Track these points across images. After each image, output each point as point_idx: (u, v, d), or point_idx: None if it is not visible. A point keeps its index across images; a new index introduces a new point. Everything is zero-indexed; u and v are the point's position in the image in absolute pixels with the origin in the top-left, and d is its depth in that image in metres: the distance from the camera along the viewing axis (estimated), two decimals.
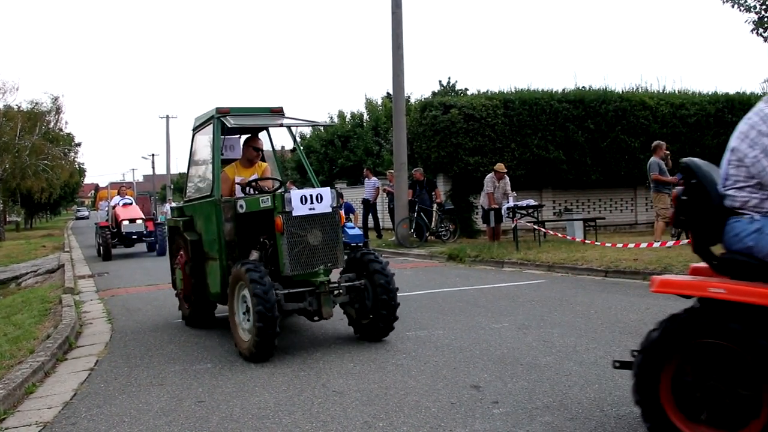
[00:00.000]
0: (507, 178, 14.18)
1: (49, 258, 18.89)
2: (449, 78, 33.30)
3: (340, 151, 26.14)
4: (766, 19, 14.59)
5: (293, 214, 5.40)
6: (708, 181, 3.25)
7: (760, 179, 3.07)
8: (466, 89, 30.29)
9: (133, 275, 13.13)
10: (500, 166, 14.12)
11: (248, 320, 5.34)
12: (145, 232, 17.91)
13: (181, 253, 7.00)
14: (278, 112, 6.75)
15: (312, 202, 5.46)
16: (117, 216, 17.77)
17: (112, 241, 17.57)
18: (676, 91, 19.37)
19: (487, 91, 17.93)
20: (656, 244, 10.25)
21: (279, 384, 4.65)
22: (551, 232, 12.87)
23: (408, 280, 9.56)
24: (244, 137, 7.14)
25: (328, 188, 5.69)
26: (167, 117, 51.89)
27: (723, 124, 18.41)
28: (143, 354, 5.88)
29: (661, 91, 19.30)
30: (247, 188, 6.35)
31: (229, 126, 6.26)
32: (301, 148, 7.41)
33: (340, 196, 6.41)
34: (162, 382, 4.89)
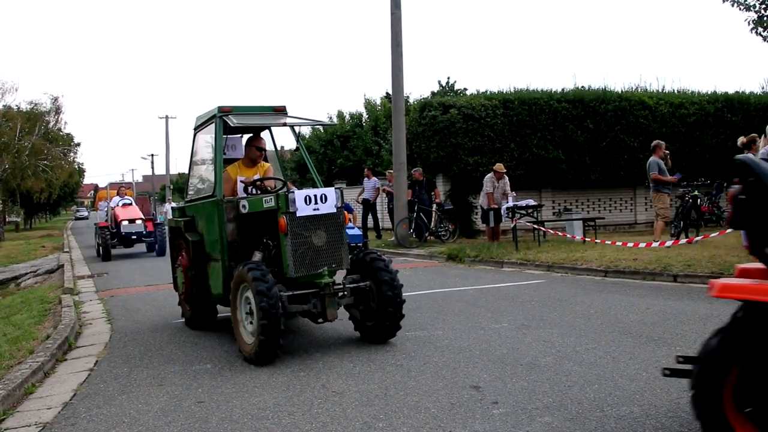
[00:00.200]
0: (506, 178, 14.17)
1: (49, 258, 18.89)
2: (448, 78, 33.29)
3: (339, 151, 26.14)
4: (765, 18, 14.57)
5: (297, 215, 5.31)
6: None
7: None
8: (466, 89, 30.28)
9: (132, 275, 13.13)
10: (499, 166, 14.12)
11: (251, 322, 5.28)
12: (144, 232, 17.87)
13: (183, 253, 6.93)
14: (281, 111, 6.69)
15: (316, 203, 5.38)
16: (116, 216, 17.75)
17: (112, 241, 17.53)
18: (676, 91, 19.37)
19: (487, 91, 17.92)
20: (655, 244, 10.26)
21: (279, 384, 4.65)
22: (551, 231, 12.87)
23: (407, 281, 9.55)
24: (246, 137, 7.08)
25: (333, 188, 5.60)
26: (166, 117, 51.92)
27: (722, 124, 18.43)
28: (143, 354, 5.88)
29: (660, 90, 19.30)
30: (250, 188, 6.29)
31: (231, 125, 6.19)
32: (306, 147, 7.31)
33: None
34: (162, 383, 4.89)
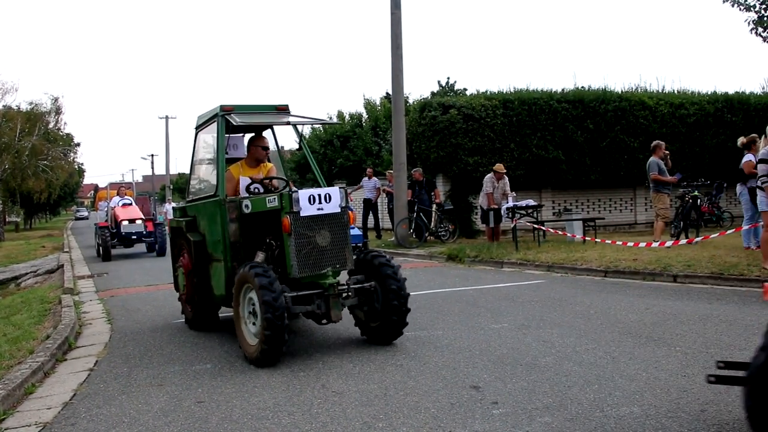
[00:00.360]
0: (506, 178, 14.17)
1: (49, 258, 18.89)
2: (448, 78, 33.26)
3: (339, 151, 26.13)
4: (765, 19, 14.57)
5: (301, 215, 5.24)
6: None
7: None
8: (465, 89, 30.27)
9: (132, 275, 13.13)
10: (499, 167, 14.12)
11: (254, 323, 5.24)
12: (144, 232, 17.83)
13: (184, 254, 6.88)
14: (284, 110, 6.61)
15: (320, 202, 5.31)
16: (116, 216, 17.73)
17: (112, 241, 17.51)
18: (676, 91, 19.38)
19: (486, 91, 17.92)
20: (655, 244, 10.26)
21: (279, 384, 4.65)
22: (551, 231, 12.87)
23: (407, 281, 9.53)
24: (247, 136, 7.00)
25: (337, 188, 5.53)
26: (166, 117, 51.88)
27: (722, 124, 18.43)
28: (143, 354, 5.88)
29: (660, 90, 19.31)
30: (253, 188, 6.22)
31: (234, 124, 6.12)
32: (307, 147, 7.21)
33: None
34: (161, 383, 4.88)
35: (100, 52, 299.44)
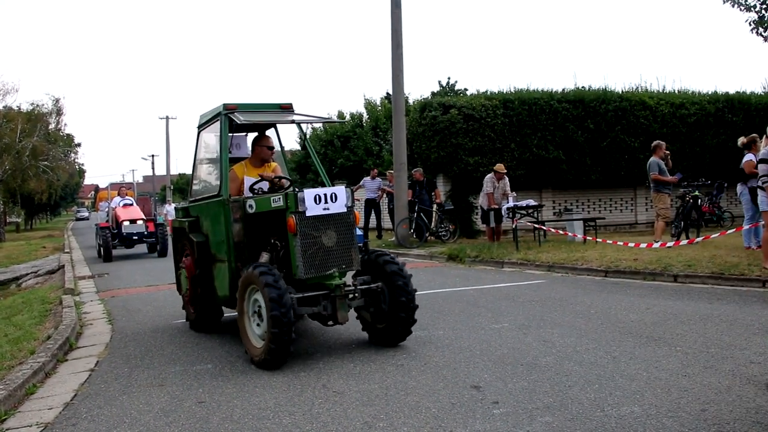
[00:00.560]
0: (506, 178, 14.17)
1: (50, 259, 18.90)
2: (449, 78, 33.29)
3: (339, 151, 26.13)
4: (766, 19, 14.56)
5: (307, 214, 5.14)
6: None
7: None
8: (466, 89, 30.28)
9: (133, 276, 13.13)
10: (500, 167, 14.12)
11: (260, 325, 5.17)
12: (145, 232, 17.74)
13: (187, 254, 6.79)
14: (288, 108, 6.52)
15: (326, 202, 5.22)
16: (117, 217, 17.67)
17: (113, 242, 17.42)
18: (676, 91, 19.38)
19: (487, 91, 17.92)
20: (656, 245, 10.25)
21: (279, 384, 4.65)
22: (552, 231, 12.87)
23: None
24: (251, 135, 6.92)
25: (343, 187, 5.43)
26: (167, 118, 51.84)
27: (723, 124, 18.42)
28: (143, 355, 5.88)
29: (660, 90, 19.30)
30: (256, 188, 6.14)
31: (238, 123, 6.03)
32: (311, 146, 7.09)
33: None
34: (162, 383, 4.89)
35: (101, 52, 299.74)
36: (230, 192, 6.06)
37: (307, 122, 6.73)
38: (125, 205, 18.35)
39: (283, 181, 6.24)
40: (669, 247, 10.18)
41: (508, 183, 14.18)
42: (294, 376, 4.84)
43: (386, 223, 18.81)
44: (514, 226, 13.12)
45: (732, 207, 18.26)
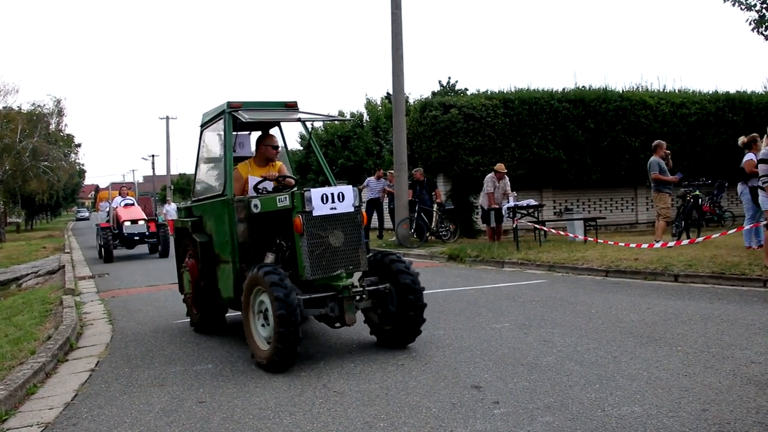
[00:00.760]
0: (507, 178, 14.17)
1: (50, 259, 18.88)
2: (449, 78, 33.28)
3: (340, 151, 26.13)
4: (766, 18, 14.53)
5: (313, 214, 5.04)
6: None
7: None
8: (466, 89, 30.28)
9: (133, 276, 13.13)
10: (500, 166, 14.12)
11: (266, 327, 5.07)
12: (147, 233, 17.56)
13: (190, 255, 6.69)
14: (292, 106, 6.41)
15: (333, 201, 5.12)
16: (118, 217, 17.51)
17: (114, 242, 17.26)
18: (677, 90, 19.38)
19: (487, 91, 17.93)
20: (657, 245, 10.24)
21: (280, 384, 4.65)
22: (553, 231, 12.87)
23: None
24: (254, 134, 6.79)
25: (350, 186, 5.32)
26: (167, 118, 51.75)
27: (724, 124, 18.42)
28: (144, 355, 5.88)
29: (661, 90, 19.31)
30: (260, 187, 6.05)
31: (243, 121, 5.91)
32: (316, 145, 6.98)
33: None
34: (163, 383, 4.89)
35: (101, 52, 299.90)
36: (234, 191, 5.97)
37: (312, 120, 6.64)
38: (126, 205, 18.20)
39: (289, 180, 6.18)
40: (670, 247, 10.17)
41: (509, 183, 14.18)
42: (294, 376, 4.84)
43: (387, 222, 18.82)
44: (514, 226, 13.11)
45: (733, 206, 18.25)
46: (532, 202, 13.92)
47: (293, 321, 4.70)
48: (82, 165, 58.17)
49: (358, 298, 5.34)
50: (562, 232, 13.15)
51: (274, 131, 6.73)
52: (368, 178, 18.41)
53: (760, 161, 8.30)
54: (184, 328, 7.01)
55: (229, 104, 6.06)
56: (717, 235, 10.15)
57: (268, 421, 3.92)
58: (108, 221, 18.16)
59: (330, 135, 26.90)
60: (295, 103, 6.48)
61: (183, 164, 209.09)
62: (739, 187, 10.62)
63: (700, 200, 13.33)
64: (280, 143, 6.70)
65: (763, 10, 14.46)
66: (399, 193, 15.44)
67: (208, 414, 4.11)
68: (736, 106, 18.79)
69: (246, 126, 6.57)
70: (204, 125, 6.82)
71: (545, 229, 12.91)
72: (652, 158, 11.58)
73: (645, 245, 10.23)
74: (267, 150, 6.40)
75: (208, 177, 7.01)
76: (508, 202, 13.59)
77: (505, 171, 14.13)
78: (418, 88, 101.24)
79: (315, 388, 4.50)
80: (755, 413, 3.59)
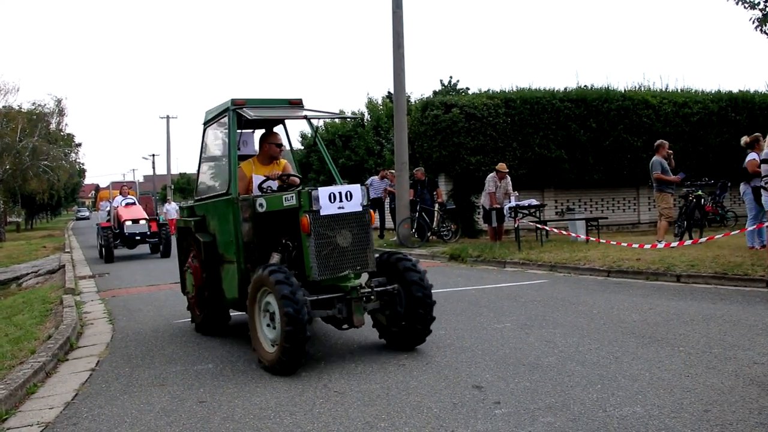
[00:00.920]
0: (509, 177, 14.15)
1: (50, 259, 18.88)
2: (450, 77, 33.18)
3: (341, 150, 26.11)
4: None
5: (321, 213, 4.95)
6: None
7: None
8: (468, 88, 30.27)
9: (133, 276, 13.13)
10: (502, 166, 14.10)
11: (273, 329, 4.93)
12: (148, 232, 17.36)
13: (192, 255, 6.58)
14: (297, 104, 6.31)
15: (341, 200, 5.02)
16: (119, 216, 17.33)
17: (115, 242, 17.08)
18: (679, 90, 19.35)
19: (489, 90, 17.92)
20: (660, 246, 10.21)
21: (280, 384, 4.63)
22: (555, 231, 12.85)
23: None
24: (258, 132, 6.68)
25: (358, 185, 5.24)
26: (167, 117, 51.66)
27: (726, 123, 18.39)
28: (144, 354, 5.87)
29: (663, 89, 19.28)
30: (265, 185, 5.96)
31: (249, 118, 5.80)
32: (321, 143, 6.75)
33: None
34: (163, 383, 4.88)
35: (101, 51, 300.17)
36: (238, 190, 5.87)
37: (318, 118, 6.52)
38: (128, 205, 18.03)
39: (293, 179, 6.10)
40: (672, 247, 10.15)
41: (510, 182, 14.16)
42: (295, 376, 4.83)
43: (388, 222, 18.80)
44: (516, 226, 13.09)
45: (735, 206, 18.23)
46: (534, 201, 13.90)
47: (301, 319, 4.59)
48: (82, 164, 58.22)
49: (366, 299, 5.23)
50: (564, 232, 13.13)
51: (278, 129, 6.63)
52: (372, 178, 18.36)
53: (763, 161, 8.28)
54: (185, 328, 7.00)
55: (234, 101, 5.98)
56: (720, 236, 10.13)
57: (269, 421, 3.90)
58: (109, 220, 18.02)
59: (331, 134, 26.89)
60: (300, 100, 6.39)
61: (183, 163, 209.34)
62: (742, 187, 10.59)
63: (702, 200, 13.29)
64: (285, 141, 6.62)
65: (767, 9, 14.40)
66: (400, 193, 15.43)
67: (208, 414, 4.10)
68: (739, 105, 18.76)
69: (250, 124, 6.48)
70: (207, 123, 6.71)
71: (547, 228, 12.89)
72: (655, 158, 11.55)
73: (648, 246, 10.20)
74: (271, 148, 6.30)
75: (212, 175, 6.90)
76: (510, 202, 13.57)
77: (507, 171, 14.11)
78: (420, 87, 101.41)
79: (316, 388, 4.49)
80: (758, 414, 3.57)
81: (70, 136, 47.86)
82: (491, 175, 14.16)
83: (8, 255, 21.95)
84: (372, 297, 5.28)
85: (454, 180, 16.93)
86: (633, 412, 3.70)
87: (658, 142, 11.87)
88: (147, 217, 17.79)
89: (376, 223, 18.27)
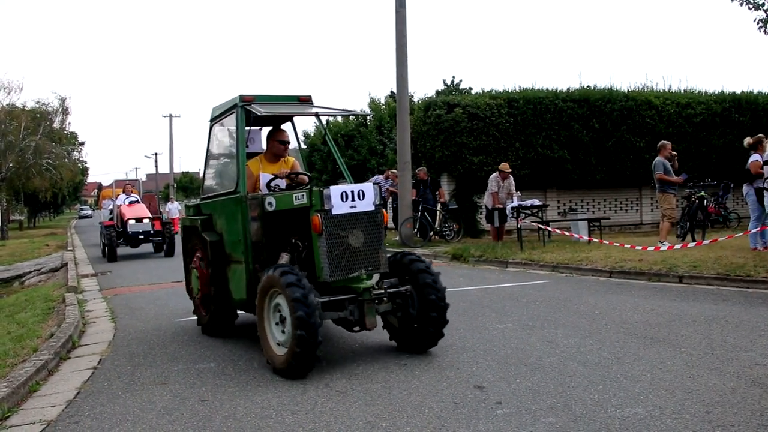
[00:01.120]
0: (511, 177, 14.14)
1: (53, 257, 18.88)
2: (453, 77, 33.12)
3: (344, 150, 26.13)
4: None
5: (333, 213, 4.84)
6: None
7: None
8: (471, 88, 30.21)
9: (135, 274, 13.14)
10: (505, 166, 14.08)
11: (283, 331, 4.83)
12: (152, 231, 17.15)
13: (198, 254, 6.45)
14: (306, 101, 6.18)
15: (353, 199, 4.91)
16: (123, 215, 17.20)
17: (118, 241, 16.86)
18: (682, 91, 19.32)
19: (492, 90, 17.90)
20: (664, 247, 10.18)
21: (282, 383, 4.64)
22: (558, 231, 12.83)
23: None
24: (265, 130, 6.54)
25: (370, 183, 5.14)
26: (170, 116, 51.78)
27: (730, 124, 18.36)
28: (146, 353, 5.88)
29: (666, 90, 19.25)
30: (273, 184, 5.86)
31: (258, 114, 5.67)
32: (332, 141, 6.66)
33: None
34: (165, 381, 4.89)
35: (104, 49, 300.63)
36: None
37: (329, 114, 6.42)
38: (131, 203, 17.88)
39: (302, 177, 6.03)
40: (676, 249, 10.13)
41: (513, 182, 14.15)
42: None
43: (389, 222, 18.80)
44: (518, 226, 13.08)
45: (738, 207, 18.19)
46: (536, 202, 13.88)
47: (313, 323, 4.49)
48: (85, 162, 58.27)
49: (378, 301, 5.12)
50: (567, 233, 13.10)
51: (286, 126, 6.51)
52: (376, 176, 18.33)
53: (766, 162, 8.26)
54: (187, 327, 7.01)
55: (242, 98, 5.85)
56: (724, 238, 10.11)
57: (271, 420, 3.91)
58: (111, 219, 17.90)
59: (333, 134, 26.87)
60: (309, 97, 6.28)
61: (186, 162, 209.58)
62: (745, 188, 10.58)
63: (705, 201, 13.27)
64: (292, 139, 6.50)
65: None
66: (402, 193, 15.43)
67: (210, 412, 4.10)
68: (743, 106, 18.72)
69: (256, 121, 6.31)
70: (214, 120, 6.57)
71: (549, 229, 12.88)
72: (657, 158, 11.54)
73: (651, 248, 10.15)
74: (274, 145, 6.21)
75: (219, 173, 6.80)
76: (512, 202, 13.56)
77: (510, 170, 14.10)
78: (423, 87, 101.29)
79: (317, 388, 4.49)
80: (759, 416, 3.57)
81: (73, 135, 47.94)
82: (494, 175, 14.15)
83: (11, 253, 21.98)
84: (384, 299, 5.17)
85: (457, 180, 16.93)
86: (634, 412, 3.70)
87: (661, 142, 11.86)
88: (150, 215, 17.60)
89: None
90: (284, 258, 5.43)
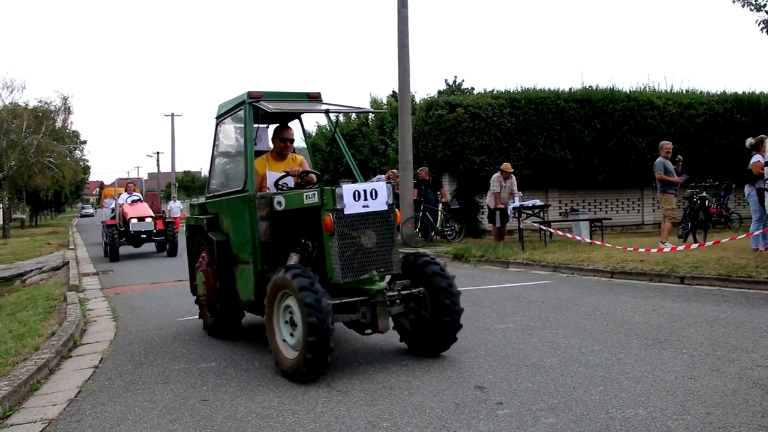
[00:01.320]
0: (513, 177, 14.12)
1: (54, 255, 18.88)
2: (455, 77, 33.16)
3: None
4: None
5: (345, 212, 4.72)
6: None
7: None
8: (472, 88, 30.22)
9: (137, 273, 13.15)
10: (506, 166, 14.07)
11: (292, 334, 4.74)
12: (154, 230, 16.98)
13: (204, 255, 6.32)
14: (315, 98, 6.06)
15: (366, 199, 4.78)
16: (125, 214, 17.05)
17: (120, 240, 16.70)
18: (684, 91, 19.30)
19: (493, 90, 17.90)
20: (666, 248, 10.17)
21: (283, 383, 4.64)
22: (559, 233, 12.81)
23: None
24: (272, 127, 6.39)
25: (384, 183, 4.99)
26: (172, 115, 51.70)
27: (731, 124, 18.33)
28: (148, 352, 5.89)
29: (668, 90, 19.23)
30: (281, 183, 5.77)
31: (268, 111, 5.52)
32: (341, 139, 6.50)
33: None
34: (166, 381, 4.89)
35: (106, 49, 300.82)
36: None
37: (339, 111, 6.26)
38: (133, 202, 17.73)
39: (311, 176, 5.95)
40: (678, 250, 10.12)
41: (515, 182, 14.13)
42: None
43: None
44: (520, 226, 13.07)
45: (740, 208, 18.17)
46: (538, 202, 13.86)
47: (325, 330, 4.38)
48: (87, 161, 58.32)
49: (390, 303, 4.99)
50: (569, 234, 13.08)
51: (293, 124, 6.40)
52: (379, 176, 18.31)
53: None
54: (188, 326, 7.02)
55: (250, 94, 5.71)
56: (726, 239, 10.10)
57: (272, 419, 3.91)
58: (113, 218, 17.81)
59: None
60: (319, 94, 6.18)
61: (188, 161, 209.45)
62: (746, 188, 10.57)
63: (706, 202, 13.26)
64: (301, 137, 6.37)
65: None
66: (404, 193, 15.43)
67: (211, 412, 4.10)
68: (745, 107, 18.70)
69: (263, 118, 6.12)
70: (220, 117, 6.44)
71: (551, 230, 12.87)
72: (658, 159, 11.54)
73: (654, 250, 10.13)
74: (275, 143, 6.10)
75: (225, 172, 6.67)
76: (514, 202, 13.54)
77: (512, 171, 14.08)
78: (424, 86, 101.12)
79: (318, 388, 4.49)
80: (761, 417, 3.56)
81: (76, 133, 48.01)
82: (496, 175, 14.14)
83: (12, 251, 21.99)
84: (397, 301, 5.05)
85: (458, 180, 16.92)
86: (635, 413, 3.69)
87: (662, 143, 11.86)
88: (153, 214, 17.44)
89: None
90: (293, 258, 5.32)
